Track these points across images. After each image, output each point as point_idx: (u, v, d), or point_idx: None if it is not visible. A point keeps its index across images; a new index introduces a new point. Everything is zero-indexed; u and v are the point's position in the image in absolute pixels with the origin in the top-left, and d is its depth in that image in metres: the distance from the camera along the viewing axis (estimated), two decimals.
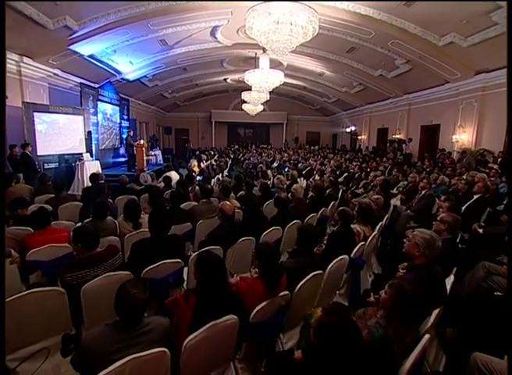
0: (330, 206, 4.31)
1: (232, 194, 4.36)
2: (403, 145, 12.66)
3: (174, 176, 6.48)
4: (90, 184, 4.80)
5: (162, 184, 5.58)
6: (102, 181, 5.39)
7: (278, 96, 20.26)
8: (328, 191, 4.84)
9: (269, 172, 7.66)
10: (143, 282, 2.08)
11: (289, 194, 5.14)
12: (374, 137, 17.63)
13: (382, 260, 3.81)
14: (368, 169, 8.10)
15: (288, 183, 5.61)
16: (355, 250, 2.65)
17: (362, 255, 2.79)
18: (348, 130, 20.23)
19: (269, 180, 6.70)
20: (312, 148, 22.22)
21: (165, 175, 5.80)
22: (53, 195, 4.23)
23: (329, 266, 2.29)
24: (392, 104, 14.86)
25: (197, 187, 4.86)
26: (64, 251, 2.54)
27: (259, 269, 1.86)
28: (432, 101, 12.16)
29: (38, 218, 2.62)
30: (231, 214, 2.83)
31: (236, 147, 22.73)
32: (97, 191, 3.77)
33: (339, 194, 5.16)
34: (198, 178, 5.64)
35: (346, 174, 7.73)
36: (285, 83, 10.45)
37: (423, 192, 5.06)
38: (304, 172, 8.49)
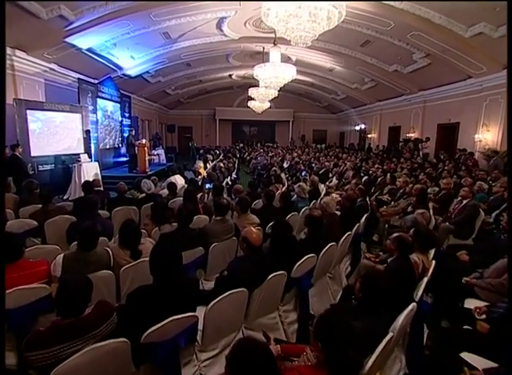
0: (363, 220, 3.68)
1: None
2: (420, 145, 11.94)
3: (179, 180, 5.86)
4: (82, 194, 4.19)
5: (166, 191, 4.96)
6: (99, 188, 4.79)
7: (284, 93, 19.55)
8: (358, 202, 4.20)
9: (283, 175, 7.03)
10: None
11: (312, 204, 4.52)
12: (384, 135, 16.97)
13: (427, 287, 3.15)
14: (389, 172, 7.41)
15: (308, 189, 4.97)
16: (420, 292, 2.03)
17: (423, 295, 2.16)
18: (357, 128, 19.53)
19: (283, 185, 6.07)
20: (319, 146, 21.59)
21: (169, 181, 5.17)
22: (40, 206, 3.63)
23: (399, 321, 1.67)
24: (406, 101, 14.18)
25: (206, 197, 4.24)
26: (39, 294, 1.93)
27: (323, 356, 1.24)
28: (450, 98, 11.45)
29: (5, 250, 1.99)
30: (258, 245, 2.23)
31: (241, 145, 22.09)
32: (89, 207, 3.15)
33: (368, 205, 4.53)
34: (208, 186, 4.99)
35: (365, 178, 7.06)
36: (293, 80, 9.90)
37: (464, 202, 4.40)
38: (319, 173, 7.83)
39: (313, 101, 23.18)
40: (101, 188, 5.41)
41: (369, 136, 18.30)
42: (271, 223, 3.36)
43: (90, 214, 3.04)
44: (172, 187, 4.66)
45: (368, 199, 4.98)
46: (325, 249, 2.69)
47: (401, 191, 5.26)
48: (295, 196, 4.55)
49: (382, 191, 5.97)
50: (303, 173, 7.01)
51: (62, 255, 2.14)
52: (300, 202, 4.33)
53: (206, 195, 4.54)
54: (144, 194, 4.58)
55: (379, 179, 6.60)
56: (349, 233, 3.15)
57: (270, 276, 2.12)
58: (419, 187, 4.46)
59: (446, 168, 8.69)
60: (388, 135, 16.59)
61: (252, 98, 13.48)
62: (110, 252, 2.35)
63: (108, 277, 2.20)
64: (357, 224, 3.46)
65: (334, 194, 5.47)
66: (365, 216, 3.78)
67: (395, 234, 2.42)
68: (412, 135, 13.65)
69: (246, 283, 1.99)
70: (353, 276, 3.19)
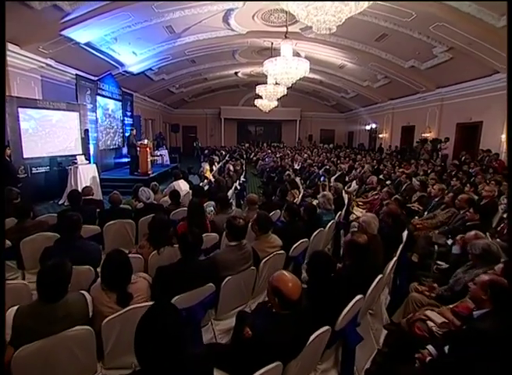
0: (404, 240, 3.01)
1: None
2: (439, 145, 11.22)
3: (183, 186, 5.25)
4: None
5: (167, 199, 4.35)
6: (92, 197, 4.18)
7: (291, 91, 18.86)
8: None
9: (298, 180, 6.37)
10: None
11: (337, 216, 3.88)
12: (397, 135, 16.29)
13: None
14: (413, 177, 6.71)
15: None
16: None
17: None
18: (368, 127, 18.82)
19: (300, 191, 5.43)
20: (327, 146, 20.95)
21: (172, 187, 4.57)
22: (16, 222, 3.03)
23: None
24: (421, 99, 13.50)
25: (212, 209, 3.58)
26: None
27: None
28: (472, 96, 10.72)
29: None
30: (296, 299, 1.50)
31: (247, 145, 21.48)
32: (68, 228, 2.46)
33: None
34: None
35: (388, 182, 6.36)
36: (301, 78, 9.24)
37: None
38: (334, 177, 7.16)
39: (321, 99, 22.52)
40: (94, 196, 4.77)
41: (380, 136, 17.61)
42: (295, 247, 2.74)
43: (69, 237, 2.41)
44: (174, 195, 4.04)
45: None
46: (373, 285, 2.05)
47: (436, 199, 4.59)
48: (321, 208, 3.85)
49: (410, 199, 5.30)
50: (321, 178, 6.34)
51: (15, 308, 1.52)
52: (325, 215, 3.67)
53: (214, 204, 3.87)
54: (142, 205, 3.95)
55: (406, 184, 5.92)
56: (395, 258, 2.51)
57: (311, 338, 1.50)
58: (465, 197, 3.79)
59: (471, 170, 8.00)
60: (401, 135, 15.91)
61: (259, 96, 12.83)
62: (88, 298, 1.73)
63: (85, 335, 1.58)
64: (401, 245, 2.81)
65: (358, 209, 4.82)
66: (405, 233, 3.12)
67: (484, 277, 1.74)
68: (428, 135, 12.95)
69: (279, 351, 1.37)
70: (399, 313, 2.55)
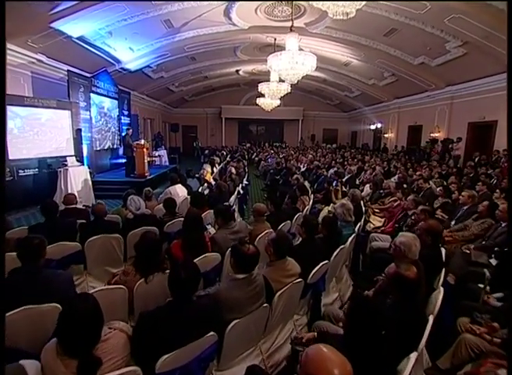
0: (445, 259, 2.50)
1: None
2: (450, 146, 10.70)
3: (180, 192, 4.73)
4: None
5: (162, 207, 3.84)
6: (73, 205, 3.67)
7: (293, 90, 18.32)
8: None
9: (306, 184, 5.85)
10: None
11: (357, 228, 3.36)
12: (403, 135, 15.81)
13: None
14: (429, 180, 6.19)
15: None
16: None
17: None
18: (372, 127, 18.30)
19: (309, 197, 4.90)
20: (330, 146, 20.46)
21: (167, 194, 4.04)
22: None
23: None
24: (429, 98, 12.99)
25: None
26: None
27: None
28: (485, 93, 10.20)
29: None
30: None
31: (248, 145, 20.99)
32: (27, 256, 1.82)
33: None
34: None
35: (405, 186, 5.84)
36: (304, 76, 8.62)
37: None
38: (343, 180, 6.63)
39: (323, 98, 22.05)
40: (85, 202, 4.27)
41: (386, 136, 17.10)
42: (315, 272, 2.22)
43: (28, 268, 1.84)
44: (169, 204, 3.52)
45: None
46: (426, 334, 1.54)
47: (465, 208, 4.07)
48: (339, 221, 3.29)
49: (431, 205, 4.77)
50: (333, 183, 5.80)
51: None
52: (345, 228, 3.13)
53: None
54: (131, 215, 3.43)
55: (425, 189, 5.40)
56: (442, 290, 1.99)
57: None
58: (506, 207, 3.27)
59: (489, 172, 7.48)
60: (407, 135, 15.42)
61: (261, 95, 12.32)
62: (31, 372, 1.18)
63: None
64: (443, 270, 2.30)
65: (375, 218, 4.30)
66: (444, 252, 2.60)
67: None
68: (437, 135, 12.44)
69: None
70: (447, 358, 2.03)
